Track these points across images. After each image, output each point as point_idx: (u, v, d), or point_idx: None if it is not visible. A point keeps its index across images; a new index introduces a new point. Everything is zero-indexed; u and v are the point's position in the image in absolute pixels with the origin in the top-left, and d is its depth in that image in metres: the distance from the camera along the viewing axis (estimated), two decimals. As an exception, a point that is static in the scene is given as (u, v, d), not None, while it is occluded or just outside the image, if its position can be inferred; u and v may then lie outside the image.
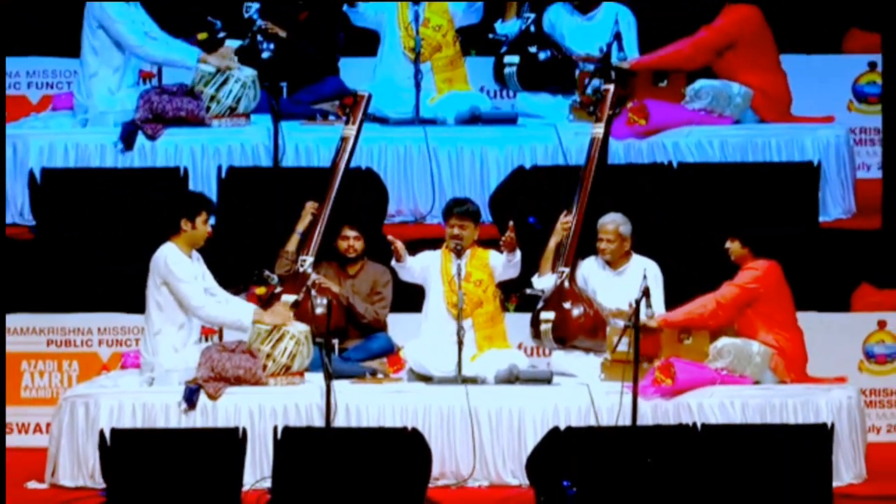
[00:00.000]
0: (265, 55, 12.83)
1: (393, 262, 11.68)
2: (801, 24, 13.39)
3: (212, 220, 11.64)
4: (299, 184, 11.99)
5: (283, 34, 13.28)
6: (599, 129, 12.05)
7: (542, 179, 12.66)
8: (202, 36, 12.75)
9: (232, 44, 12.65)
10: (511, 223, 11.34)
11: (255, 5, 12.46)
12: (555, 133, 12.77)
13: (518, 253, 11.52)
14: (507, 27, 13.12)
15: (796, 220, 12.31)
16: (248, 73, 12.64)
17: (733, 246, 11.41)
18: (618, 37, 12.65)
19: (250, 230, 12.13)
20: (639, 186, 12.41)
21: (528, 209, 12.42)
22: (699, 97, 13.02)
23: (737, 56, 12.90)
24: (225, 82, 12.66)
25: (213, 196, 12.26)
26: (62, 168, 12.75)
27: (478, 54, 13.29)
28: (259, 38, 12.73)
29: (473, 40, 13.32)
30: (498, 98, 13.38)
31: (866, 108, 13.81)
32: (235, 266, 11.75)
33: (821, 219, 12.80)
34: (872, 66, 13.82)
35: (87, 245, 12.62)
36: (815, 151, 12.69)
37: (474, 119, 13.09)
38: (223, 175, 12.61)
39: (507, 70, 13.23)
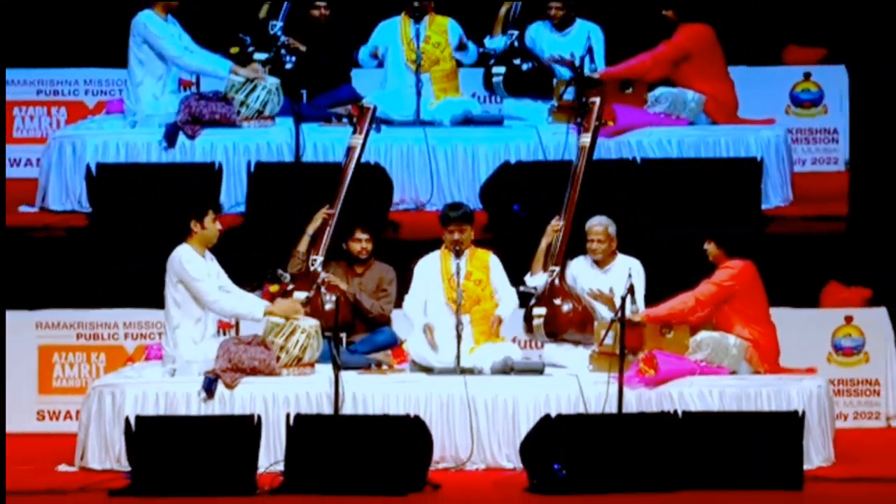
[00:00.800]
0: (288, 66, 13.31)
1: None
2: (745, 40, 13.81)
3: (241, 209, 12.57)
4: (317, 177, 12.34)
5: (302, 48, 13.78)
6: (587, 139, 12.09)
7: (524, 173, 12.97)
8: (234, 50, 13.25)
9: (259, 56, 13.17)
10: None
11: (279, 23, 12.97)
12: (536, 133, 13.12)
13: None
14: (495, 42, 13.58)
15: (742, 207, 12.68)
16: (273, 81, 13.17)
17: (710, 247, 11.42)
18: (590, 51, 13.05)
19: (276, 218, 12.54)
20: (608, 179, 12.61)
21: (513, 198, 12.77)
22: (659, 102, 13.37)
23: (691, 67, 13.25)
24: (253, 90, 13.15)
25: (244, 187, 12.84)
26: (114, 163, 13.14)
27: (470, 66, 13.79)
28: (282, 51, 13.22)
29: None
30: (487, 103, 13.81)
31: (802, 111, 14.27)
32: (265, 252, 12.05)
33: (763, 206, 13.12)
34: (807, 75, 14.35)
35: (131, 236, 12.99)
36: (758, 149, 13.06)
37: (467, 121, 13.49)
38: (251, 170, 13.00)
39: (495, 79, 13.65)
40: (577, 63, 12.58)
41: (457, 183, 13.37)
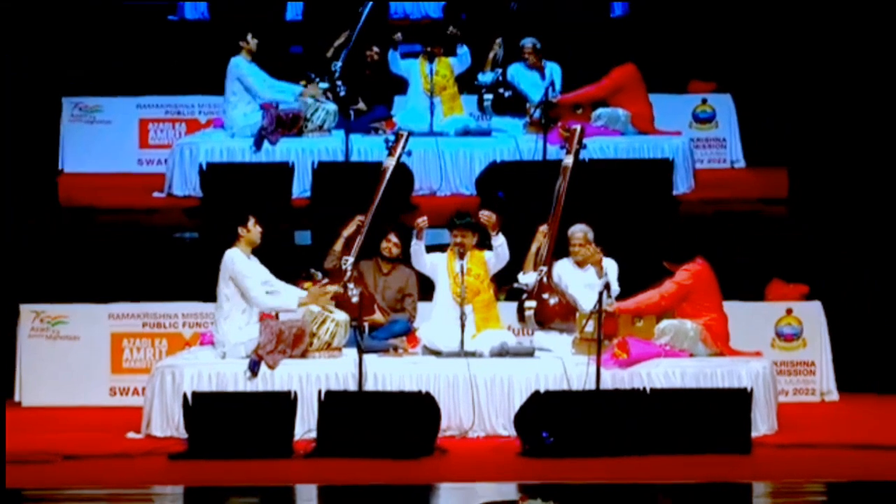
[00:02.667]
0: (341, 93, 14.46)
1: (413, 242, 11.62)
2: (660, 75, 14.96)
3: (307, 194, 13.75)
4: (360, 171, 13.30)
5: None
6: (569, 160, 12.15)
7: (506, 169, 14.01)
8: (303, 82, 14.41)
9: (322, 86, 14.45)
10: (489, 214, 11.51)
11: (339, 63, 14.43)
12: (514, 141, 14.33)
13: (501, 236, 11.50)
14: (486, 77, 14.93)
15: (657, 193, 13.72)
16: (332, 106, 14.41)
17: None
18: (552, 83, 14.39)
19: (332, 198, 13.44)
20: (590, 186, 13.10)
21: (498, 187, 13.73)
22: (600, 118, 14.45)
23: (622, 94, 14.44)
24: (316, 110, 14.35)
25: (310, 178, 13.84)
26: (218, 162, 14.05)
27: (468, 93, 14.99)
28: (338, 83, 14.43)
29: (466, 85, 14.98)
30: (480, 120, 14.82)
31: (700, 126, 15.38)
32: (325, 223, 12.86)
33: (674, 193, 14.08)
34: (704, 101, 15.45)
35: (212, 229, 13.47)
36: (671, 152, 14.19)
37: (466, 132, 14.62)
38: (315, 166, 13.96)
39: (485, 103, 14.93)
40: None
41: (458, 176, 14.44)
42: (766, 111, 15.06)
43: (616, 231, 12.12)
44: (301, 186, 13.97)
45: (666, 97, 14.96)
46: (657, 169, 13.91)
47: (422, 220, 11.57)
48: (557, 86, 14.46)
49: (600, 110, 14.38)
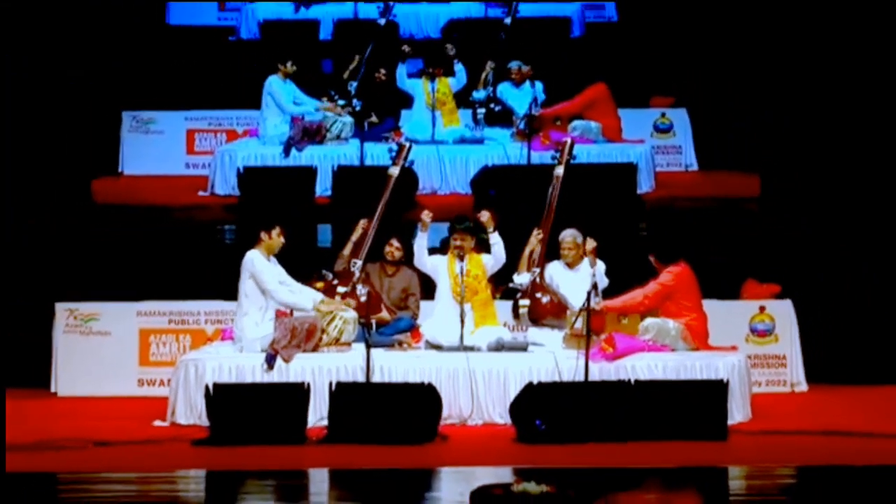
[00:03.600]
0: (357, 108, 15.19)
1: (417, 234, 11.60)
2: (627, 92, 15.83)
3: (328, 193, 14.34)
4: (373, 174, 13.41)
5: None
6: (560, 170, 12.18)
7: (496, 172, 14.60)
8: (325, 98, 15.24)
9: (340, 102, 15.29)
10: (487, 213, 11.66)
11: (355, 83, 15.22)
12: (503, 148, 15.02)
13: (497, 235, 11.51)
14: (479, 94, 15.82)
15: (623, 193, 14.35)
16: (348, 119, 15.14)
17: (652, 258, 11.45)
18: (535, 99, 15.18)
19: (352, 197, 13.84)
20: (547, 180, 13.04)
21: (490, 187, 14.34)
22: (576, 129, 15.02)
23: (594, 109, 15.18)
24: (335, 122, 15.08)
25: (331, 180, 14.45)
26: (254, 166, 14.71)
27: (464, 108, 15.76)
28: (354, 100, 15.17)
29: (462, 101, 15.72)
30: (474, 130, 15.53)
31: (660, 135, 16.23)
32: (345, 217, 13.01)
33: (638, 192, 14.68)
34: (663, 114, 16.31)
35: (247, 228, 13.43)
36: (635, 157, 14.88)
37: (462, 140, 15.36)
38: (335, 169, 14.51)
39: (478, 116, 15.70)
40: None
41: (456, 177, 15.06)
42: (714, 122, 16.15)
43: (596, 228, 12.13)
44: (323, 186, 14.54)
45: (631, 111, 15.86)
46: (624, 172, 14.58)
47: (426, 214, 11.58)
48: (539, 101, 15.21)
49: (576, 122, 15.14)
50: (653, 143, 15.75)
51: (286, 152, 14.76)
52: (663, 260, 11.40)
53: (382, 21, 16.07)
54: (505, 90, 15.48)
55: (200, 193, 15.12)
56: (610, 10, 18.40)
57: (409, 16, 17.65)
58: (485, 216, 11.59)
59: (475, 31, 17.26)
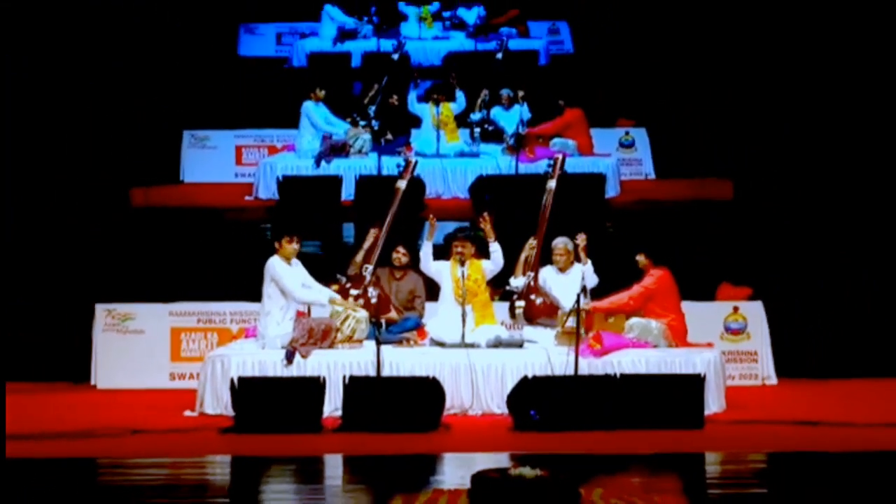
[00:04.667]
0: (375, 127, 15.88)
1: (423, 243, 11.60)
2: (599, 115, 16.69)
3: (352, 197, 14.92)
4: (388, 182, 13.29)
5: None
6: (552, 184, 12.19)
7: (490, 181, 15.25)
8: (349, 120, 15.96)
9: (362, 123, 15.98)
10: (486, 216, 11.71)
11: (374, 107, 15.86)
12: (496, 161, 15.82)
13: (497, 243, 11.50)
14: (475, 115, 16.42)
15: (593, 197, 15.01)
16: (368, 136, 15.88)
17: (641, 258, 11.46)
18: (522, 120, 15.88)
19: (372, 202, 13.93)
20: (532, 187, 13.48)
21: (485, 193, 14.99)
22: (555, 146, 15.72)
23: (571, 129, 16.01)
24: (357, 139, 15.86)
25: (354, 188, 15.03)
26: (292, 175, 15.42)
27: (463, 127, 16.41)
28: (373, 121, 15.87)
29: (462, 122, 16.37)
30: (471, 145, 16.23)
31: (624, 150, 16.94)
32: (367, 220, 13.03)
33: (605, 196, 15.39)
34: (627, 132, 17.04)
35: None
36: (605, 169, 15.68)
37: (462, 154, 16.09)
38: (357, 178, 15.19)
39: (475, 134, 16.39)
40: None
41: (457, 185, 15.75)
42: (669, 139, 17.01)
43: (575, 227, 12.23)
44: (347, 192, 15.17)
45: (601, 130, 16.68)
46: (594, 180, 15.30)
47: (432, 217, 11.61)
48: (525, 119, 15.97)
49: (556, 140, 15.97)
50: (618, 157, 16.64)
51: (317, 164, 15.59)
52: (654, 260, 11.39)
53: (396, 56, 17.28)
54: (497, 113, 16.35)
55: (247, 198, 15.80)
56: (567, 44, 19.59)
57: (417, 49, 18.62)
58: (486, 226, 11.60)
59: (470, 63, 18.31)
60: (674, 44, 17.65)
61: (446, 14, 18.89)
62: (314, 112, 15.80)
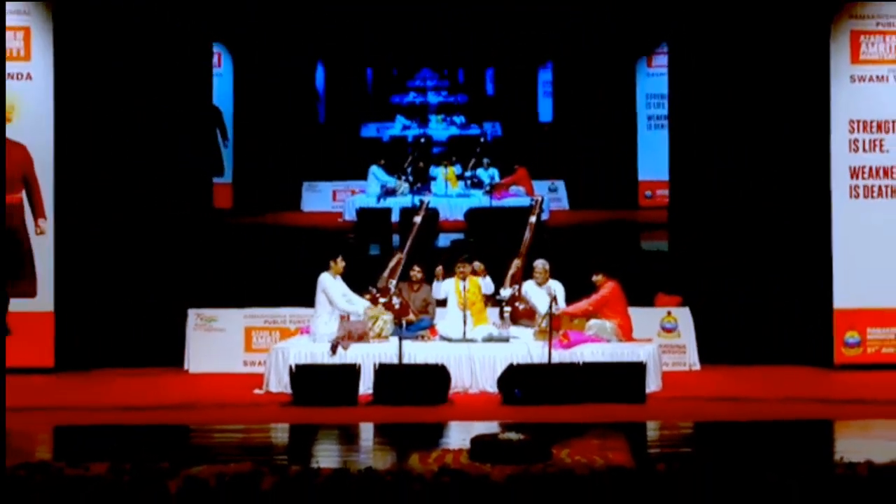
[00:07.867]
0: (410, 179, 16.59)
1: (434, 284, 11.52)
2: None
3: (396, 218, 15.07)
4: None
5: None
6: (533, 219, 11.95)
7: (479, 212, 15.49)
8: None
9: (402, 178, 16.54)
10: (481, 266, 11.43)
11: (409, 167, 16.54)
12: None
13: (488, 278, 11.44)
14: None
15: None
16: (405, 184, 16.50)
17: (598, 277, 11.38)
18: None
19: (410, 225, 12.37)
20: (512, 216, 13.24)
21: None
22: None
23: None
24: (399, 186, 16.56)
25: (399, 215, 14.95)
26: (366, 207, 15.87)
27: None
28: (410, 176, 16.62)
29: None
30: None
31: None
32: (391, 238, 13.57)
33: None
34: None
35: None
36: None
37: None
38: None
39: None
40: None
41: (458, 211, 16.00)
42: None
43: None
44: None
45: None
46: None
47: (438, 272, 11.49)
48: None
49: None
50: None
51: (378, 199, 15.19)
52: (608, 272, 11.27)
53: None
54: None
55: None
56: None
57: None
58: (479, 267, 11.47)
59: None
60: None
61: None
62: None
